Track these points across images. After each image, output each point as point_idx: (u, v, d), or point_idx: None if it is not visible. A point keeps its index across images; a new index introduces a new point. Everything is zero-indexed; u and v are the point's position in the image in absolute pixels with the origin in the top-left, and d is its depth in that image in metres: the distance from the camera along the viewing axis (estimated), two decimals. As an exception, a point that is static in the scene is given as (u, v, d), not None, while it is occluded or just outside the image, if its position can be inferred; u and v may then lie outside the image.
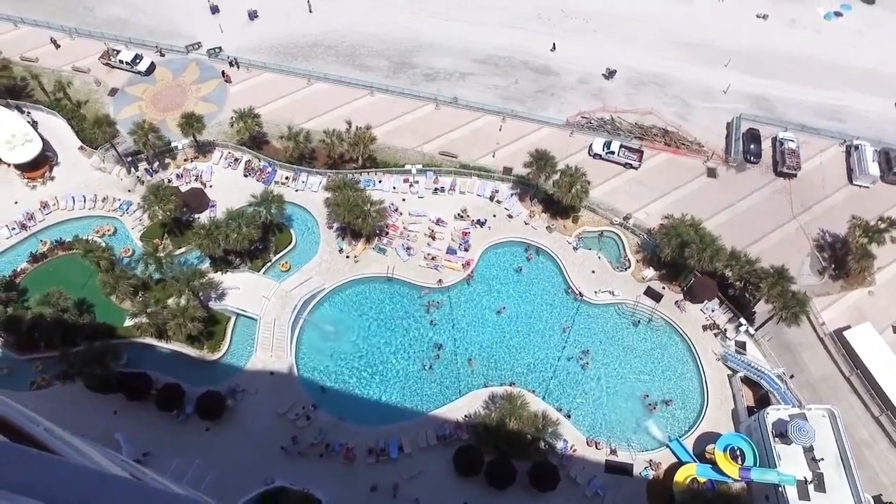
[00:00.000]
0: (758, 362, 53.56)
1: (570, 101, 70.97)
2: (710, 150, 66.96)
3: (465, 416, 51.12)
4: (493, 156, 66.05)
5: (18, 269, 57.91)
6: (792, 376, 53.33)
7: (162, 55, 74.13)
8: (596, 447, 50.69)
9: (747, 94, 71.88)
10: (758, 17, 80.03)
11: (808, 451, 46.44)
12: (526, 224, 61.55)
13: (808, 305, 52.95)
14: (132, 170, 64.02)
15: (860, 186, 65.22)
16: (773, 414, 48.07)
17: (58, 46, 74.85)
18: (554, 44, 74.85)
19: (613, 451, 50.62)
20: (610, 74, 72.63)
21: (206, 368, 53.77)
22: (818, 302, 56.77)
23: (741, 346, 54.98)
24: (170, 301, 53.62)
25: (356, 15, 78.27)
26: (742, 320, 55.62)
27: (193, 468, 48.01)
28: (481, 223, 61.24)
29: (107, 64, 72.97)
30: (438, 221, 61.22)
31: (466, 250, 59.65)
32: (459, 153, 66.15)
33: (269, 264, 58.75)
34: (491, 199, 62.84)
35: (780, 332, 54.93)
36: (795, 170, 64.69)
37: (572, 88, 72.16)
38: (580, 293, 57.55)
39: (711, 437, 49.73)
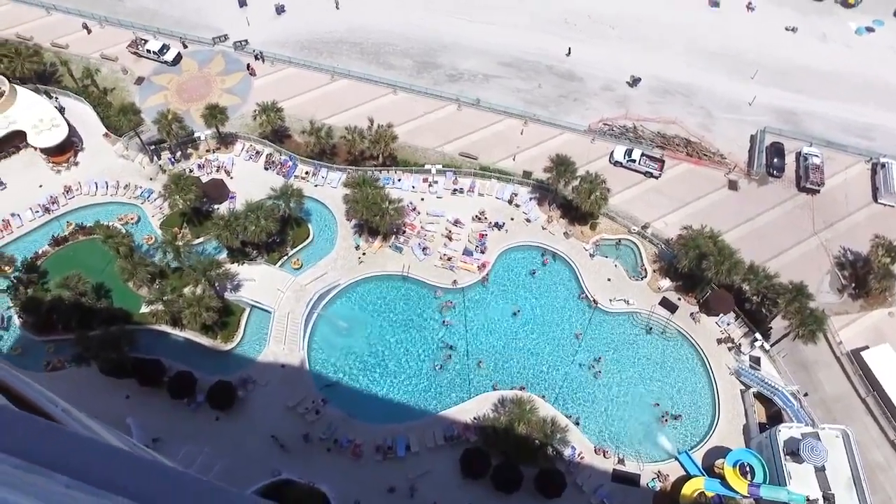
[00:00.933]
0: (772, 378, 52.93)
1: (593, 107, 70.67)
2: (732, 162, 66.34)
3: (474, 418, 51.03)
4: (514, 159, 65.92)
5: (40, 252, 58.76)
6: (806, 394, 52.69)
7: (185, 46, 74.82)
8: (604, 456, 50.41)
9: (773, 108, 71.11)
10: (787, 29, 79.14)
11: (820, 471, 45.84)
12: (543, 229, 61.36)
13: (825, 323, 52.24)
14: (155, 158, 64.71)
15: (885, 205, 64.19)
16: (785, 431, 47.51)
17: (89, 31, 76.01)
18: (569, 48, 74.49)
19: (621, 461, 50.29)
20: (634, 82, 72.21)
21: (219, 358, 54.20)
22: (836, 321, 55.94)
23: (755, 361, 54.39)
24: (186, 290, 54.05)
25: (383, 13, 78.53)
26: (757, 335, 54.99)
27: (202, 456, 48.36)
28: (499, 226, 61.14)
29: (134, 53, 73.88)
30: (456, 222, 61.20)
31: (483, 252, 59.57)
32: (480, 155, 66.11)
33: (285, 258, 59.10)
34: (509, 202, 62.71)
35: (795, 349, 54.26)
36: (819, 185, 63.84)
37: (596, 95, 71.85)
38: (595, 301, 57.26)
39: (721, 452, 49.30)
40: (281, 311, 55.25)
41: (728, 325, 56.22)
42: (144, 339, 53.41)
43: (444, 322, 56.80)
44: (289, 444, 49.72)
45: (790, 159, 66.40)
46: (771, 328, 55.92)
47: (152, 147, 64.71)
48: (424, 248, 59.52)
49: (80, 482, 3.43)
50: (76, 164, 64.58)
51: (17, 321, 55.37)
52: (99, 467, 3.68)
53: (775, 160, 65.60)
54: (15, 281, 55.04)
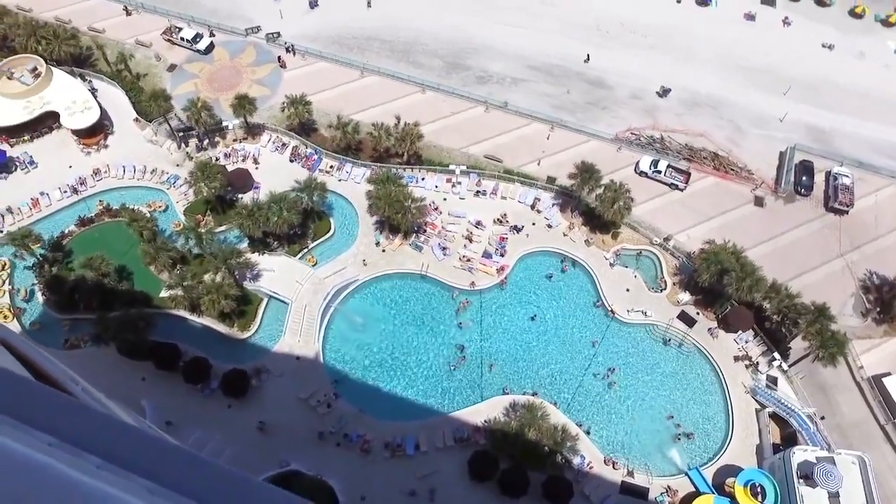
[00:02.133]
0: (788, 399, 52.19)
1: (620, 115, 70.13)
2: (759, 178, 65.48)
3: (485, 420, 50.90)
4: (539, 164, 65.68)
5: (66, 231, 59.71)
6: (823, 418, 51.87)
7: (212, 35, 75.48)
8: (613, 467, 50.07)
9: (804, 125, 69.99)
10: (823, 46, 77.79)
11: (834, 497, 45.02)
12: (564, 235, 61.03)
13: (847, 347, 51.42)
14: (182, 145, 65.47)
15: (916, 230, 63.01)
16: (799, 454, 46.69)
17: (129, 13, 77.11)
18: (588, 54, 73.84)
19: (630, 473, 49.90)
20: (664, 92, 71.54)
21: (235, 346, 54.66)
22: (858, 345, 54.99)
23: (772, 381, 53.70)
24: (206, 277, 54.63)
25: (414, 12, 78.53)
26: (776, 355, 54.28)
27: (213, 442, 48.84)
28: (519, 229, 60.93)
29: (168, 40, 74.68)
30: (477, 224, 61.11)
31: (502, 255, 59.43)
32: (505, 158, 65.93)
33: (305, 250, 59.47)
34: (532, 206, 62.47)
35: (814, 371, 53.46)
36: (848, 206, 62.72)
37: (624, 103, 71.30)
38: (612, 310, 56.84)
39: (732, 471, 48.74)
40: (298, 303, 55.58)
41: (746, 342, 55.55)
42: (162, 323, 53.85)
43: (459, 324, 56.78)
44: (269, 428, 49.92)
45: (819, 178, 65.23)
46: (790, 348, 55.17)
47: (180, 134, 65.46)
48: (444, 249, 59.51)
49: (111, 464, 3.45)
50: (106, 146, 65.50)
51: (39, 298, 56.32)
52: (129, 450, 3.71)
53: (804, 178, 64.57)
54: (40, 259, 56.00)
